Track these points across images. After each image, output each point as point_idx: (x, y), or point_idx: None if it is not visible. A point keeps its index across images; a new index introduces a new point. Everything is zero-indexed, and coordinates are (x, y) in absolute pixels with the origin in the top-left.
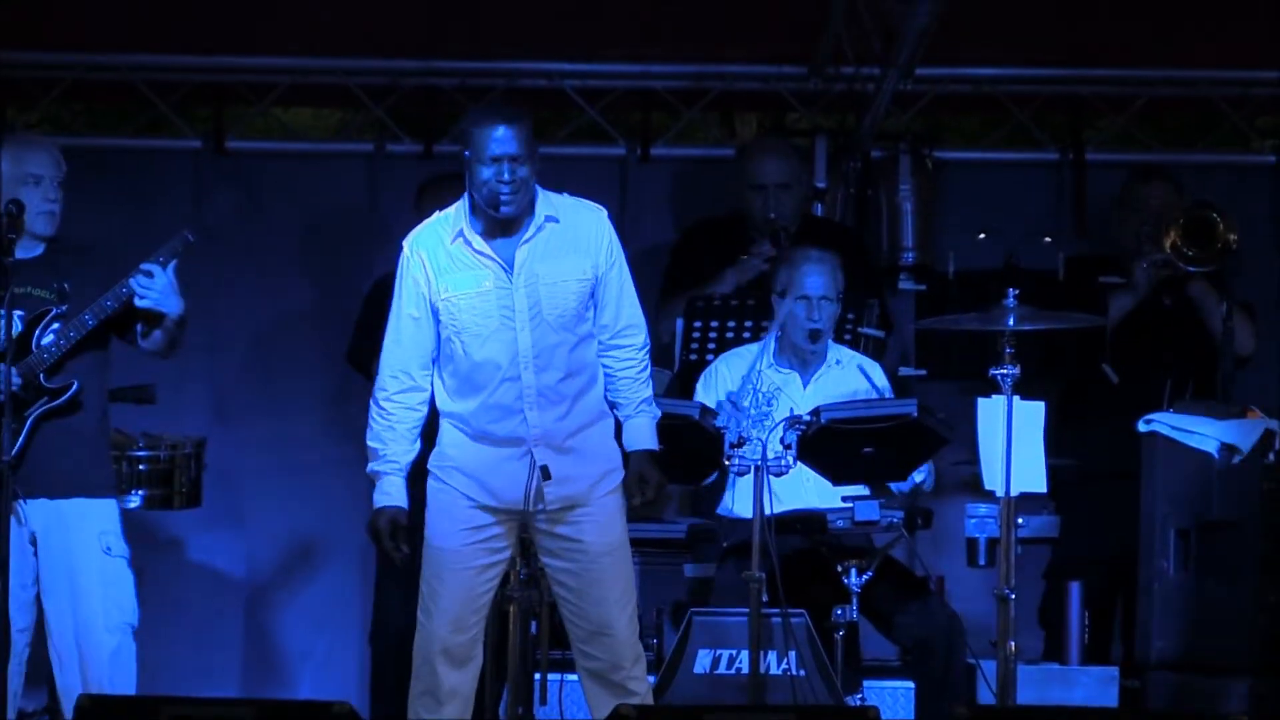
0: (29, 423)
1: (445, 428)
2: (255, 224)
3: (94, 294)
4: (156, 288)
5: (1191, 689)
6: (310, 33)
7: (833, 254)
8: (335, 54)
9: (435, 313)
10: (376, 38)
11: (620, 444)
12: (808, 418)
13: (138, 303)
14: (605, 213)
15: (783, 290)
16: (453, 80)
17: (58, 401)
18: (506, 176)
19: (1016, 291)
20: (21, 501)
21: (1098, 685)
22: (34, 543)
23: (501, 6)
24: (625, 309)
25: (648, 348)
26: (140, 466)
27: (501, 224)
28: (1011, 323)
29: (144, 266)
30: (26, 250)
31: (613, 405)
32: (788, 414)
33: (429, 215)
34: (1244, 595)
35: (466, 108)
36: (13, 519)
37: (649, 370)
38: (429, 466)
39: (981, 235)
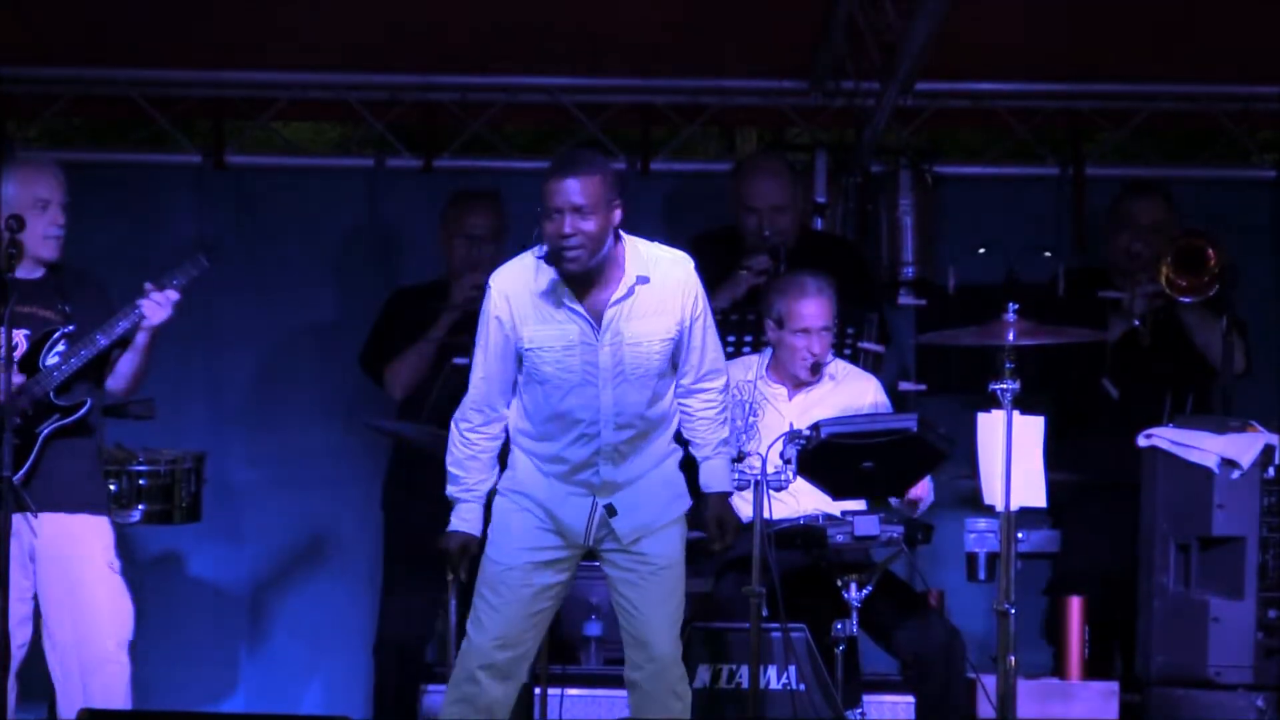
0: (40, 439)
1: (517, 454)
2: (255, 238)
3: (94, 317)
4: (167, 311)
5: (1191, 704)
6: (310, 47)
7: (827, 278)
8: (335, 69)
9: (518, 353)
10: (376, 53)
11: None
12: (807, 432)
13: (145, 324)
14: (692, 263)
15: (779, 320)
16: (452, 95)
17: (70, 419)
18: (566, 229)
19: (1016, 306)
20: (33, 516)
21: (1098, 700)
22: (33, 558)
23: (501, 21)
24: (709, 355)
25: (728, 389)
26: (140, 481)
27: (590, 278)
28: (1011, 337)
29: (153, 296)
30: (28, 272)
31: (687, 443)
32: (771, 424)
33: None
34: (1244, 610)
35: (466, 122)
36: (16, 533)
37: (728, 411)
38: (499, 487)
39: (981, 250)
